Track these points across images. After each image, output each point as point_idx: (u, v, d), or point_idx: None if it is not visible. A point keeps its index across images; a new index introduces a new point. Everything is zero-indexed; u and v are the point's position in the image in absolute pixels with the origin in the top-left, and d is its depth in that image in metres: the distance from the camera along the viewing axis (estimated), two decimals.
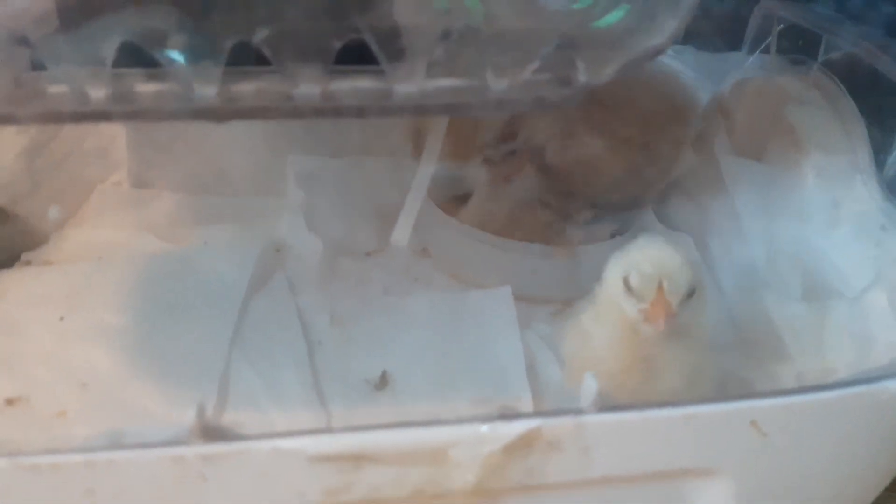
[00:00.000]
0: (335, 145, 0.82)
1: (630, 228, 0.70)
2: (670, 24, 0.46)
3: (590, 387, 0.42)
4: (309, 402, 0.61)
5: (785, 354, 0.61)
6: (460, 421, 0.41)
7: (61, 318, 0.66)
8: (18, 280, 0.70)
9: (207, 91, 0.45)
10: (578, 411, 0.41)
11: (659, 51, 0.47)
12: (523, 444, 0.41)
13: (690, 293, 0.50)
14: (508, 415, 0.41)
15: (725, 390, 0.58)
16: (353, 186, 0.81)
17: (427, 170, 0.56)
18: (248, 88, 0.46)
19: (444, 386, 0.63)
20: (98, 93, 0.44)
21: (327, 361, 0.66)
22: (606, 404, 0.42)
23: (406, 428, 0.41)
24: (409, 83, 0.46)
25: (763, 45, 0.71)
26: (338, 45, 0.45)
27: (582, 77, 0.46)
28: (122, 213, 0.80)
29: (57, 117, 0.47)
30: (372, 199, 0.80)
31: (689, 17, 0.47)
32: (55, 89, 0.44)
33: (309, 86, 0.46)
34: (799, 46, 0.69)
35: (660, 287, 0.49)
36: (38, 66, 0.44)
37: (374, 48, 0.44)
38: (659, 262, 0.50)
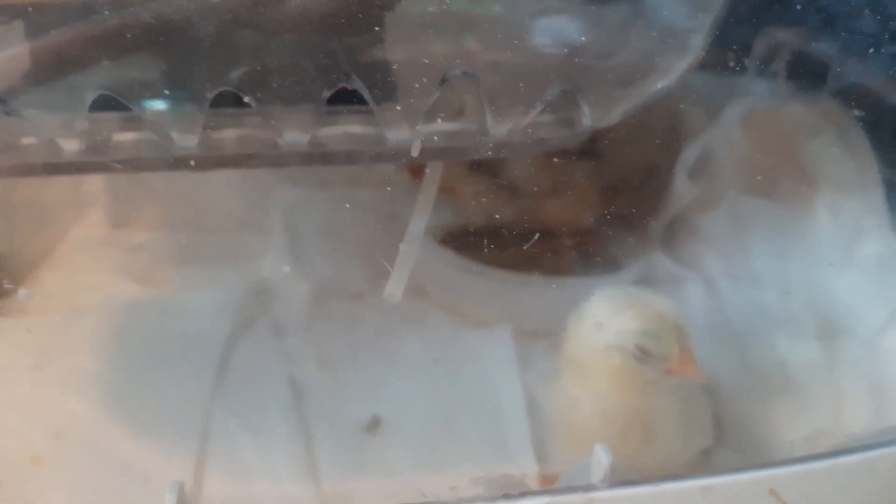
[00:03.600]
0: (323, 176, 0.78)
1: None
2: (678, 66, 0.44)
3: (600, 459, 0.39)
4: (295, 452, 0.58)
5: (797, 396, 0.59)
6: (460, 501, 0.37)
7: (37, 366, 0.63)
8: None
9: (188, 140, 0.42)
10: (589, 487, 0.38)
11: (667, 92, 0.45)
12: None
13: None
14: (513, 495, 0.38)
15: (733, 436, 0.55)
16: (343, 221, 0.77)
17: (421, 220, 0.53)
18: (230, 136, 0.43)
19: (439, 435, 0.60)
20: (72, 144, 0.41)
21: (315, 408, 0.62)
22: (618, 478, 0.39)
23: None
24: (402, 128, 0.43)
25: (768, 72, 0.69)
26: (325, 89, 0.42)
27: (586, 120, 0.44)
28: (99, 255, 0.76)
29: (29, 170, 0.44)
30: (363, 235, 0.77)
31: (697, 59, 0.45)
32: (27, 141, 0.41)
33: (295, 132, 0.43)
34: (805, 75, 0.67)
35: (678, 340, 0.46)
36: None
37: (365, 92, 0.42)
38: (664, 315, 0.47)
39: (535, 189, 0.71)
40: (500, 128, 0.43)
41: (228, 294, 0.70)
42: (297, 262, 0.73)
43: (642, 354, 0.47)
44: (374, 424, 0.61)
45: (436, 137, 0.44)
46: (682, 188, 0.65)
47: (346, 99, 0.43)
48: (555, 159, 0.68)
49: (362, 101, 0.43)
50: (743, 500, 0.40)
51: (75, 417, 0.59)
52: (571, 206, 0.73)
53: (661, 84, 0.43)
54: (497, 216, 0.71)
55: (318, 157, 0.45)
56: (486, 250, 0.70)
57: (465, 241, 0.71)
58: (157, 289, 0.73)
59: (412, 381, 0.64)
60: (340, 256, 0.75)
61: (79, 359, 0.64)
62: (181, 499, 0.36)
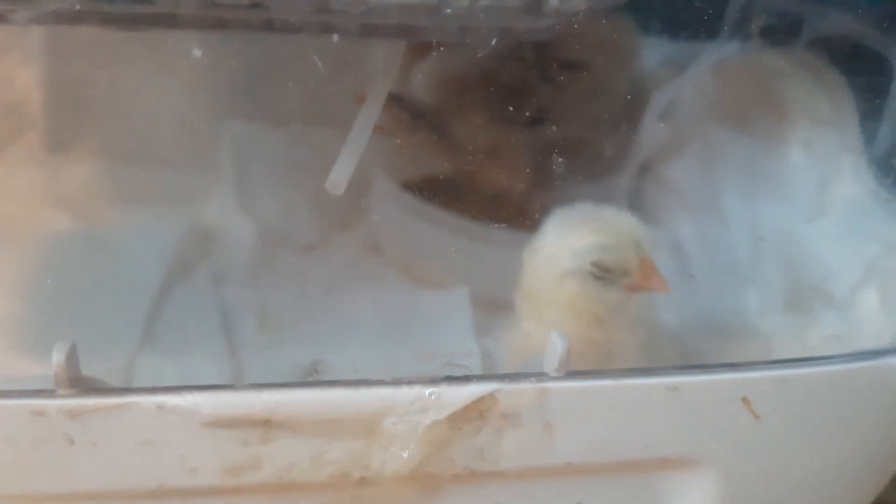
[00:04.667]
0: (277, 111, 0.71)
1: None
2: None
3: (556, 346, 0.34)
4: None
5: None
6: (397, 382, 0.33)
7: None
8: None
9: None
10: (542, 375, 0.34)
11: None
12: (474, 415, 0.34)
13: None
14: (457, 377, 0.33)
15: None
16: (296, 162, 0.72)
17: (374, 105, 0.49)
18: None
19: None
20: None
21: (250, 365, 0.57)
22: (575, 370, 0.34)
23: (329, 387, 0.33)
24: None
25: (742, 33, 0.66)
26: None
27: (554, 2, 0.40)
28: (33, 182, 0.70)
29: None
30: (317, 180, 0.72)
31: None
32: None
33: None
34: (780, 31, 0.65)
35: (637, 251, 0.42)
36: None
37: None
38: (620, 226, 0.44)
39: (490, 146, 0.68)
40: (459, 1, 0.39)
41: (166, 235, 0.65)
42: (244, 206, 0.67)
43: (600, 271, 0.43)
44: (312, 366, 0.56)
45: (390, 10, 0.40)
46: (651, 134, 0.62)
47: None
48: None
49: None
50: (711, 408, 0.36)
51: None
52: (522, 164, 0.70)
53: None
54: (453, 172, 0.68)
55: (259, 22, 0.41)
56: (446, 203, 0.66)
57: (426, 190, 0.67)
58: (91, 223, 0.67)
59: (358, 338, 0.59)
60: (292, 201, 0.70)
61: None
62: (70, 365, 0.31)
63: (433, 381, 0.33)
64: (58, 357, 0.31)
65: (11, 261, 0.62)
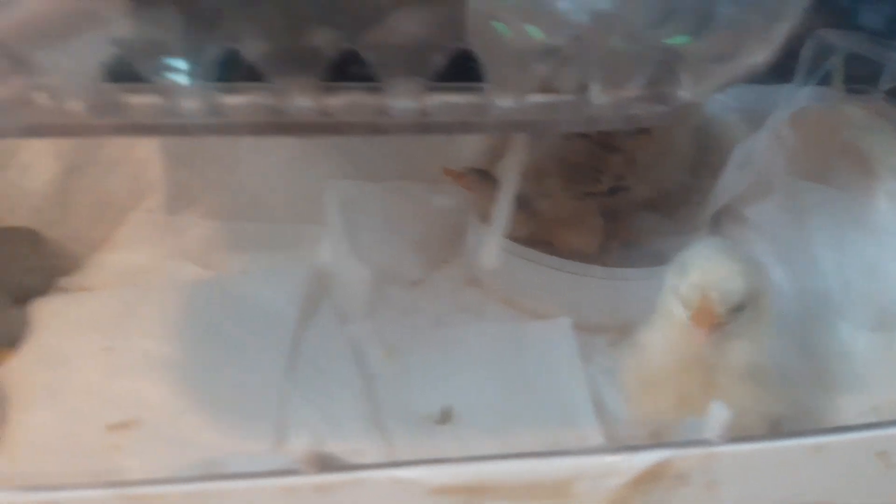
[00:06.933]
0: (374, 170, 0.79)
1: None
2: (774, 36, 0.45)
3: (718, 415, 0.40)
4: (371, 438, 0.58)
5: (857, 385, 0.60)
6: (587, 452, 0.38)
7: (107, 349, 0.63)
8: (58, 308, 0.67)
9: (305, 102, 0.43)
10: (708, 442, 0.39)
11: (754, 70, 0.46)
12: (650, 477, 0.39)
13: (742, 304, 0.48)
14: (638, 446, 0.38)
15: (796, 423, 0.56)
16: (394, 213, 0.78)
17: (510, 188, 0.55)
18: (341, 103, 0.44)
19: (508, 421, 0.60)
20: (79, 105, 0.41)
21: (384, 395, 0.63)
22: (729, 435, 0.40)
23: (530, 458, 0.38)
24: (508, 98, 0.44)
25: (818, 77, 0.70)
26: (438, 61, 0.43)
27: (684, 93, 0.45)
28: (157, 239, 0.76)
29: (38, 131, 0.43)
30: (414, 226, 0.78)
31: (778, 44, 0.46)
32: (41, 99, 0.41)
33: (406, 101, 0.44)
34: (858, 77, 0.69)
35: (705, 296, 0.47)
36: None
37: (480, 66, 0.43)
38: (707, 269, 0.48)
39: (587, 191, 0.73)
40: (601, 99, 0.44)
41: (292, 279, 0.70)
42: (354, 250, 0.73)
43: (680, 298, 0.48)
44: (445, 416, 0.61)
45: (537, 108, 0.45)
46: (732, 181, 0.66)
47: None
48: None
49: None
50: (851, 461, 0.41)
51: (148, 403, 0.59)
52: (621, 206, 0.75)
53: (758, 56, 0.44)
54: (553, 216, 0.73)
55: (420, 126, 0.46)
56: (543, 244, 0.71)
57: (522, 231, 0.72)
58: (213, 271, 0.73)
59: (477, 373, 0.65)
60: (395, 246, 0.76)
61: (148, 341, 0.64)
62: (314, 447, 0.37)
63: (617, 450, 0.39)
64: (302, 443, 0.36)
65: (155, 307, 0.67)
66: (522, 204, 0.72)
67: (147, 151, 0.78)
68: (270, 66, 0.40)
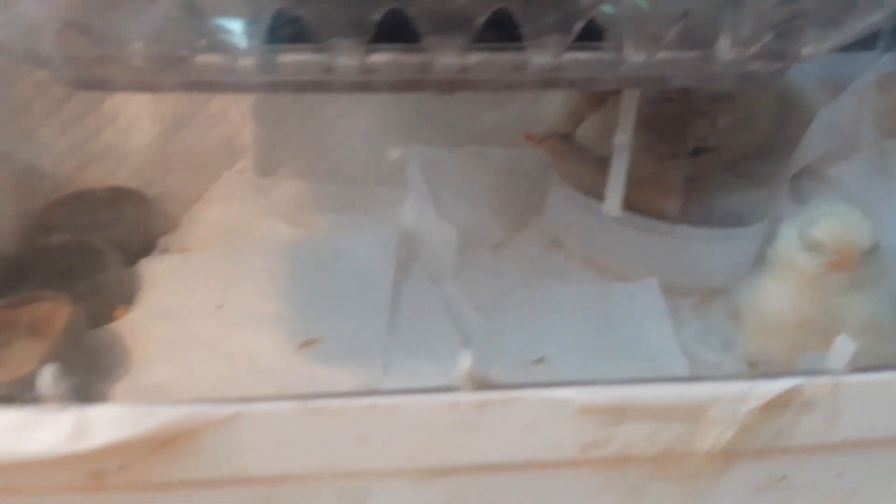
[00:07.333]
0: (451, 135, 0.81)
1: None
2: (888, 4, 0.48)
3: (844, 347, 0.42)
4: None
5: None
6: (725, 378, 0.41)
7: (219, 306, 0.66)
8: (167, 267, 0.70)
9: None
10: (836, 371, 0.42)
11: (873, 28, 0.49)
12: (781, 404, 0.42)
13: (873, 247, 0.51)
14: (770, 373, 0.41)
15: None
16: (474, 177, 0.80)
17: (626, 134, 0.57)
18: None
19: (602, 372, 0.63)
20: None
21: (481, 352, 0.65)
22: (857, 365, 0.42)
23: (673, 382, 0.41)
24: (641, 54, 0.47)
25: None
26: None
27: (807, 49, 0.47)
28: (248, 199, 0.80)
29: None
30: (494, 190, 0.80)
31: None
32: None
33: (545, 57, 0.46)
34: None
35: (842, 240, 0.50)
36: None
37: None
38: (839, 216, 0.52)
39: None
40: (728, 55, 0.46)
41: (384, 240, 0.73)
42: (438, 213, 0.75)
43: (811, 244, 0.51)
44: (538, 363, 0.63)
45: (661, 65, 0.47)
46: (816, 143, 0.69)
47: None
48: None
49: None
50: None
51: (262, 358, 0.61)
52: (703, 168, 0.77)
53: (880, 14, 0.47)
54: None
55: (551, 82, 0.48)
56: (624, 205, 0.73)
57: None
58: (307, 232, 0.76)
59: (568, 332, 0.67)
60: (475, 209, 0.78)
61: (257, 298, 0.67)
62: (473, 368, 0.39)
63: (752, 377, 0.41)
64: (464, 364, 0.39)
65: (262, 266, 0.70)
66: (605, 165, 0.74)
67: (239, 115, 0.81)
68: (423, 25, 0.42)
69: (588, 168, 0.75)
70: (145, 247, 0.73)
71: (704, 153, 0.75)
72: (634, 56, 0.46)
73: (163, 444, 0.38)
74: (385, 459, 0.40)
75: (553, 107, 0.83)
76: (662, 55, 0.47)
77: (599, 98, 0.78)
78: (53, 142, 0.75)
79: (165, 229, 0.76)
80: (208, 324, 0.64)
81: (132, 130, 0.77)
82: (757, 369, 0.54)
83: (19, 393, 0.49)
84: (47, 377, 0.37)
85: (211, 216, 0.77)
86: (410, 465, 0.41)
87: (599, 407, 0.40)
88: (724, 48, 0.46)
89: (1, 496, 0.40)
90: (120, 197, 0.74)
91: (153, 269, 0.70)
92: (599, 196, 0.72)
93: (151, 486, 0.40)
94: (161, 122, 0.78)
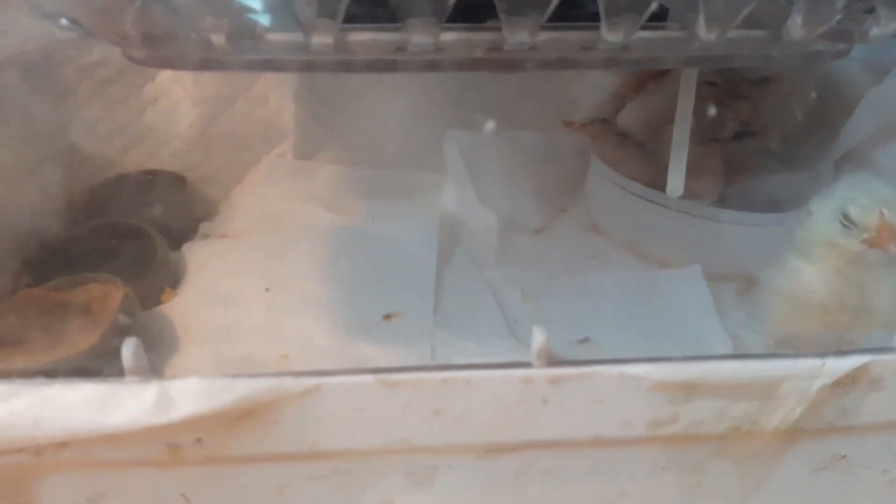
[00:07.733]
0: (490, 119, 0.82)
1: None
2: None
3: None
4: None
5: None
6: (797, 355, 0.41)
7: (266, 290, 0.66)
8: (212, 252, 0.70)
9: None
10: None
11: None
12: (849, 381, 0.42)
13: None
14: (842, 351, 0.41)
15: None
16: (513, 162, 0.80)
17: (686, 114, 0.57)
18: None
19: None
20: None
21: (526, 336, 0.65)
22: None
23: (745, 359, 0.41)
24: (711, 31, 0.46)
25: None
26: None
27: (874, 30, 0.47)
28: (288, 184, 0.80)
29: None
30: (533, 175, 0.81)
31: None
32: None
33: (616, 36, 0.46)
34: None
35: (882, 213, 0.50)
36: None
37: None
38: (876, 192, 0.51)
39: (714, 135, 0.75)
40: (798, 34, 0.46)
41: (427, 225, 0.73)
42: (479, 198, 0.75)
43: (847, 222, 0.51)
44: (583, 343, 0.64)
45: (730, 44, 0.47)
46: (860, 126, 0.69)
47: None
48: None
49: None
50: None
51: (309, 341, 0.62)
52: (743, 153, 0.77)
53: None
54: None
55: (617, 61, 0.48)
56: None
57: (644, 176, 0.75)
58: (347, 217, 0.76)
59: (612, 318, 0.67)
60: (515, 194, 0.79)
61: (303, 283, 0.67)
62: (545, 344, 0.40)
63: (824, 354, 0.41)
64: (538, 339, 0.40)
65: (306, 251, 0.70)
66: (645, 149, 0.74)
67: (279, 99, 0.81)
68: (502, 3, 0.42)
69: (629, 152, 0.75)
70: (187, 230, 0.73)
71: (746, 137, 0.75)
72: (706, 35, 0.46)
73: (240, 416, 0.38)
74: (456, 434, 0.41)
75: (591, 91, 0.83)
76: (731, 34, 0.47)
77: (640, 82, 0.78)
78: (97, 125, 0.75)
79: (205, 213, 0.76)
80: (257, 307, 0.64)
81: (174, 113, 0.78)
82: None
83: (85, 367, 0.49)
84: (129, 351, 0.37)
85: (251, 202, 0.78)
86: (480, 440, 0.41)
87: (672, 383, 0.40)
88: (795, 27, 0.46)
89: (76, 470, 0.40)
90: (162, 180, 0.75)
91: (198, 253, 0.70)
92: (640, 180, 0.73)
93: (224, 460, 0.41)
94: (202, 105, 0.78)
